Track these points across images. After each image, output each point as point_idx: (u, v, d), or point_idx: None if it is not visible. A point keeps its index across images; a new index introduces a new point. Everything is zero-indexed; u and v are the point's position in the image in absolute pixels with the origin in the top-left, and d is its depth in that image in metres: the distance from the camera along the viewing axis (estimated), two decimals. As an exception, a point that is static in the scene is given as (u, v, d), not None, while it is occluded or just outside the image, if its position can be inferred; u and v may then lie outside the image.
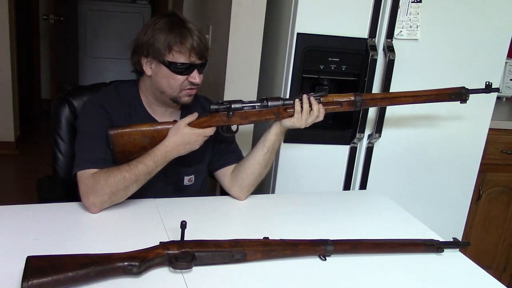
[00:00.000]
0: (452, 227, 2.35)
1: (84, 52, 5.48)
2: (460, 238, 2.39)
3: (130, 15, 5.52)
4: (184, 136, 1.51)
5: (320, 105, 1.57)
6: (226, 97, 2.11)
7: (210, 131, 1.54)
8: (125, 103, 1.61)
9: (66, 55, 4.88)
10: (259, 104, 1.55)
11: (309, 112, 1.55)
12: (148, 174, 1.49)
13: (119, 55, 5.34)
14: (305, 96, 1.56)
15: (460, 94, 1.64)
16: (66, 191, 1.70)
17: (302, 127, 1.57)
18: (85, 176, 1.46)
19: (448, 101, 1.67)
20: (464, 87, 1.65)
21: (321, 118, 1.58)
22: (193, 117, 1.53)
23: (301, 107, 1.55)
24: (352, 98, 1.59)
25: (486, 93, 1.65)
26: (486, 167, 2.41)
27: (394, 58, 1.97)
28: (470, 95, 1.65)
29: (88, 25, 5.42)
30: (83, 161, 1.50)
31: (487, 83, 1.65)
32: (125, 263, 1.14)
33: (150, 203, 1.56)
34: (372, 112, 2.06)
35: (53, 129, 1.78)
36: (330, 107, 1.59)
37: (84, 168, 1.48)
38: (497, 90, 1.70)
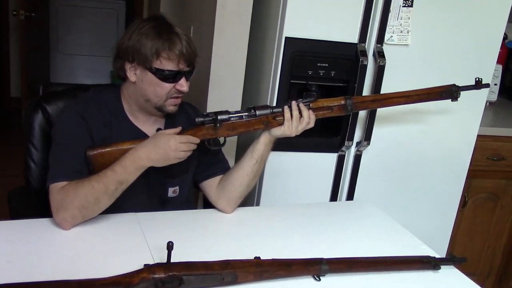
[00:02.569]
0: (438, 234, 2.32)
1: (56, 48, 5.29)
2: (446, 245, 2.37)
3: (104, 11, 5.35)
4: (156, 139, 1.41)
5: (310, 111, 1.51)
6: (210, 102, 2.03)
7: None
8: (106, 111, 1.51)
9: (37, 52, 4.71)
10: (246, 114, 1.49)
11: (299, 119, 1.49)
12: (118, 183, 1.37)
13: (92, 52, 5.21)
14: (294, 103, 1.50)
15: (451, 92, 1.63)
16: (40, 203, 1.59)
17: (293, 135, 1.51)
18: (56, 190, 1.36)
19: (440, 100, 1.65)
20: (454, 85, 1.64)
21: (311, 124, 1.53)
22: (176, 130, 1.45)
23: (291, 114, 1.49)
24: (343, 102, 1.55)
25: (477, 89, 1.65)
26: (472, 173, 2.38)
27: (385, 63, 1.92)
28: (463, 97, 1.64)
29: (60, 21, 5.22)
30: (56, 174, 1.40)
31: (477, 79, 1.64)
32: (108, 290, 1.06)
33: (132, 218, 1.46)
34: (361, 119, 2.01)
35: (25, 137, 1.67)
36: (320, 112, 1.54)
37: (56, 181, 1.38)
38: (487, 86, 1.70)
